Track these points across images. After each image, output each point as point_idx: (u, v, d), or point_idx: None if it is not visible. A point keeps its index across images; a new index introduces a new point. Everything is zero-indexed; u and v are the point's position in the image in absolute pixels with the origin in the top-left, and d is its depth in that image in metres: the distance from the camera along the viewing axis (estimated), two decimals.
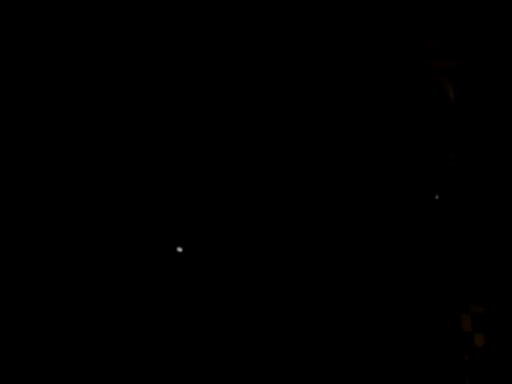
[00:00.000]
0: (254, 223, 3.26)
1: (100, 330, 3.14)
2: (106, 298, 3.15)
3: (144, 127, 3.22)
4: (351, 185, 3.30)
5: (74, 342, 3.11)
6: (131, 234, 3.19)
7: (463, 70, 3.34)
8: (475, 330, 3.31)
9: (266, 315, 3.24)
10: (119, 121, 3.20)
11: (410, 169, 3.33)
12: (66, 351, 3.10)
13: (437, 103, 3.33)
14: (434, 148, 3.33)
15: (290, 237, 3.28)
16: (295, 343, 3.24)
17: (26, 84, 3.13)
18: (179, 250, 3.19)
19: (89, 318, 3.14)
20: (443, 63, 3.34)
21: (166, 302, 3.19)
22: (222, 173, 3.26)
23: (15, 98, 3.13)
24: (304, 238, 3.28)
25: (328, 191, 3.30)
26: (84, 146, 3.17)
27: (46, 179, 3.13)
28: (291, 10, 3.28)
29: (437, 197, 3.29)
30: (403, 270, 3.29)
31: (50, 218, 3.13)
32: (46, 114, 3.14)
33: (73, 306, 3.13)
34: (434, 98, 3.33)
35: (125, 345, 3.14)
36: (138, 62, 3.22)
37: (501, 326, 3.28)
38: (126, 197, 3.20)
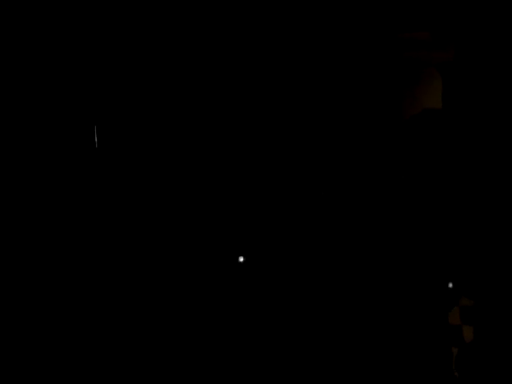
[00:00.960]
0: (253, 223, 3.27)
1: (100, 330, 3.17)
2: (107, 298, 3.17)
3: (144, 127, 3.22)
4: (334, 176, 3.30)
5: (73, 342, 3.15)
6: (131, 234, 3.20)
7: (452, 62, 3.29)
8: (464, 322, 3.32)
9: (264, 315, 3.27)
10: (120, 121, 3.20)
11: (395, 159, 3.31)
12: (66, 351, 3.13)
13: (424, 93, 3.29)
14: (420, 140, 3.30)
15: (288, 237, 3.29)
16: (289, 340, 3.27)
17: (25, 84, 3.12)
18: (241, 259, 3.21)
19: (89, 318, 3.17)
20: (432, 55, 3.29)
21: (165, 301, 3.21)
22: (221, 173, 3.26)
23: (15, 98, 3.13)
24: (296, 235, 3.29)
25: (312, 184, 3.30)
26: (84, 147, 3.17)
27: (47, 179, 3.14)
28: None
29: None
30: (390, 264, 3.30)
31: (51, 218, 3.15)
32: (46, 114, 3.14)
33: (73, 306, 3.16)
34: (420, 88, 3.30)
35: (125, 345, 3.17)
36: (138, 61, 3.21)
37: (489, 319, 3.28)
38: (125, 196, 3.21)
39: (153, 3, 3.13)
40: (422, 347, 3.29)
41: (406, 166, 3.29)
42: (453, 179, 3.31)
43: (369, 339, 3.29)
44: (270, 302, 3.25)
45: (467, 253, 3.30)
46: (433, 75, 3.30)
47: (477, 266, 3.29)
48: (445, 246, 3.31)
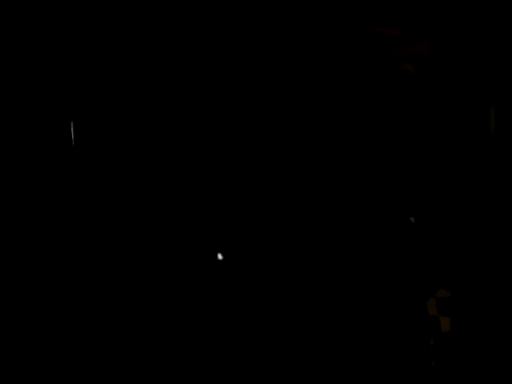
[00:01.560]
0: (252, 222, 3.30)
1: (100, 330, 3.20)
2: (107, 298, 3.20)
3: (144, 127, 3.25)
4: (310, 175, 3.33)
5: (73, 342, 3.17)
6: (131, 234, 3.23)
7: (426, 57, 3.32)
8: (441, 313, 3.35)
9: (260, 315, 3.30)
10: (119, 121, 3.23)
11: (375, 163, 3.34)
12: (66, 351, 3.16)
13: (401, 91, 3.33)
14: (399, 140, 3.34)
15: (284, 237, 3.31)
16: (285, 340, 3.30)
17: (25, 84, 3.15)
18: (220, 257, 3.22)
19: (89, 318, 3.20)
20: (406, 50, 3.33)
21: (165, 301, 3.24)
22: (221, 173, 3.29)
23: (15, 98, 3.16)
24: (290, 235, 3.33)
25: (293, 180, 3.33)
26: (84, 147, 3.21)
27: (47, 180, 3.17)
28: None
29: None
30: (368, 254, 3.33)
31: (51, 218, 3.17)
32: (46, 114, 3.17)
33: (73, 306, 3.19)
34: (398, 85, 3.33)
35: (125, 345, 3.20)
36: (138, 61, 3.24)
37: (467, 310, 3.32)
38: (124, 197, 3.24)
39: (151, 3, 3.16)
40: (400, 337, 3.33)
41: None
42: (428, 175, 3.35)
43: (348, 332, 3.32)
44: (262, 301, 3.28)
45: (444, 244, 3.33)
46: (408, 71, 3.34)
47: (454, 257, 3.33)
48: (423, 238, 3.34)
